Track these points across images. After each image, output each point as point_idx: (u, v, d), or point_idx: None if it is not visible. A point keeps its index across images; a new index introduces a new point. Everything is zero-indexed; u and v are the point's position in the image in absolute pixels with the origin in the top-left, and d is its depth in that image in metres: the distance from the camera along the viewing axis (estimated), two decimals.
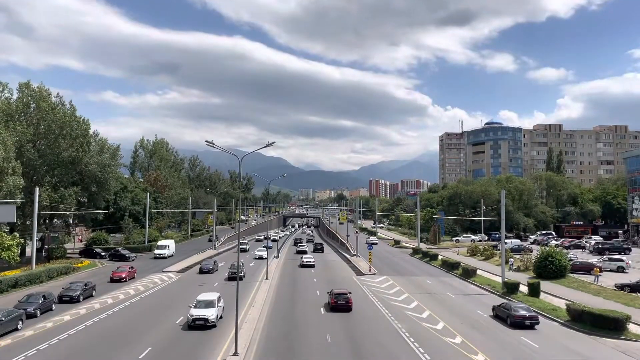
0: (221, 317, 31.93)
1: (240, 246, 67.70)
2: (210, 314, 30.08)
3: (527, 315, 32.61)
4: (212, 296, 32.42)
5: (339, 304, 36.50)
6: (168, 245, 73.88)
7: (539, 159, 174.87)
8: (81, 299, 39.33)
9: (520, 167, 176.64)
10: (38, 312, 33.73)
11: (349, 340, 28.61)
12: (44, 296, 35.44)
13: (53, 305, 36.15)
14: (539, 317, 33.52)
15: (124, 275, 49.70)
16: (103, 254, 70.50)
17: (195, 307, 30.69)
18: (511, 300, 38.60)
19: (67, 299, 38.50)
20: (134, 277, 51.56)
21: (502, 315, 34.40)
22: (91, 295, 41.40)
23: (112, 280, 48.68)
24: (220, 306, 32.03)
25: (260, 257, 68.08)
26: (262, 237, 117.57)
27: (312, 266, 63.89)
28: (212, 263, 60.16)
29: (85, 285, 41.50)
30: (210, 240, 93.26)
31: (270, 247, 75.78)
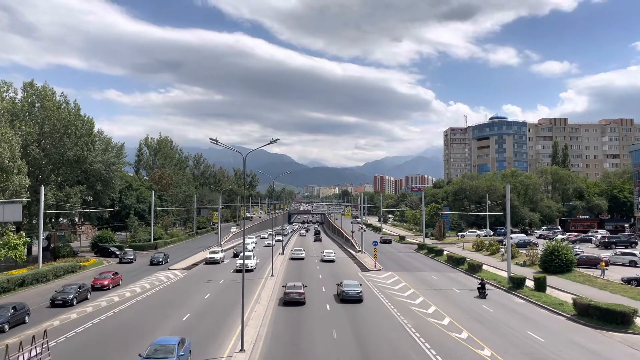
0: None
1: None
2: None
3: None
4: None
5: (316, 238, 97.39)
6: None
7: (544, 153, 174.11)
8: (75, 303, 36.75)
9: (526, 162, 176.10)
10: (6, 327, 29.42)
11: (354, 335, 28.62)
12: (14, 307, 30.95)
13: (26, 318, 31.61)
14: (546, 311, 34.26)
15: (106, 283, 43.99)
16: (118, 253, 69.00)
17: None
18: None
19: (60, 303, 36.05)
20: (118, 284, 46.13)
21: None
22: (86, 298, 39.04)
23: (94, 289, 42.39)
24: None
25: None
26: (229, 250, 79.89)
27: (304, 235, 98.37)
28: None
29: (80, 287, 38.61)
30: (153, 263, 62.00)
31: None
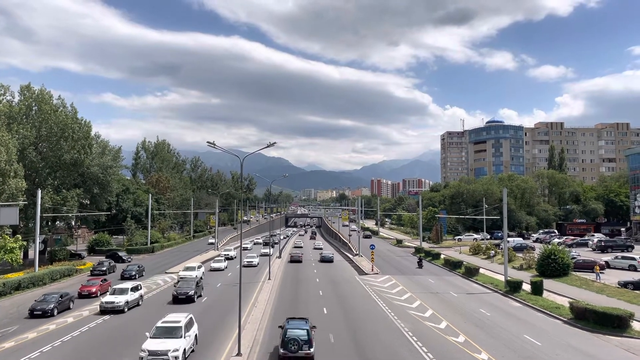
0: None
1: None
2: None
3: None
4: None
5: (312, 237, 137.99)
6: None
7: (541, 157, 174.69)
8: (55, 313, 34.20)
9: (522, 166, 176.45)
10: None
11: (352, 339, 28.60)
12: None
13: None
14: (543, 314, 34.00)
15: (94, 290, 41.62)
16: (125, 258, 67.82)
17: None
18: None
19: (39, 313, 33.44)
20: (107, 291, 41.40)
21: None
22: (68, 308, 36.46)
23: (81, 296, 40.52)
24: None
25: None
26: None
27: (303, 235, 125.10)
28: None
29: (61, 296, 35.94)
30: (125, 277, 50.97)
31: None
